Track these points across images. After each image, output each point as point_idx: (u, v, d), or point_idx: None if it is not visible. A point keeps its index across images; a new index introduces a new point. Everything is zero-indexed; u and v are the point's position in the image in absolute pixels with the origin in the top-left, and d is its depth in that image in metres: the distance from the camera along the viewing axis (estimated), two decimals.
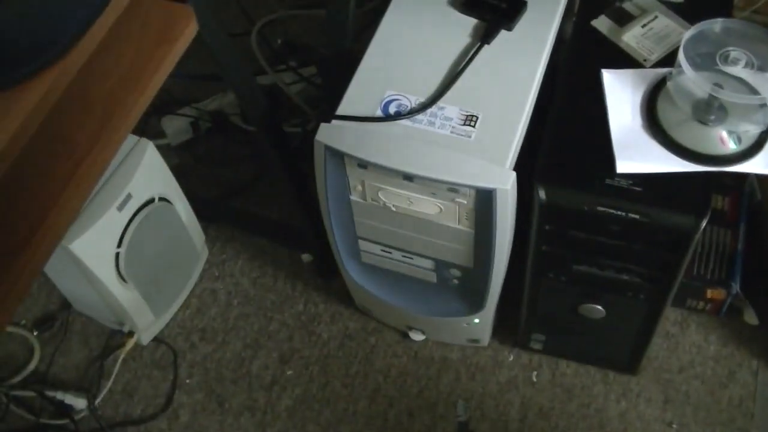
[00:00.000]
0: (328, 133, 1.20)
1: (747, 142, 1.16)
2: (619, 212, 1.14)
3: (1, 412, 1.57)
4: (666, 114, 1.19)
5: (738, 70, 1.12)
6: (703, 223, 1.12)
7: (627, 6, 1.33)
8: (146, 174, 1.43)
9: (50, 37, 0.81)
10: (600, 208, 1.15)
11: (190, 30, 1.09)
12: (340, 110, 1.22)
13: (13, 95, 0.82)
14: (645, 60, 1.25)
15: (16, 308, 0.95)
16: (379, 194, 1.24)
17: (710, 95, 1.13)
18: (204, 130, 1.90)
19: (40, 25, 0.81)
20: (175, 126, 1.87)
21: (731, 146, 1.16)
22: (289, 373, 1.62)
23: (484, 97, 1.21)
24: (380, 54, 1.28)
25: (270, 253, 1.77)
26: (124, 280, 1.47)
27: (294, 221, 1.73)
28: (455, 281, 1.39)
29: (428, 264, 1.37)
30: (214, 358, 1.65)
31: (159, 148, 1.51)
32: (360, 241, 1.40)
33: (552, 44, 1.28)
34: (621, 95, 1.24)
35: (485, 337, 1.55)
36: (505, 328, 1.59)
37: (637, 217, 1.14)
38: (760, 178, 1.59)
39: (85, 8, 0.84)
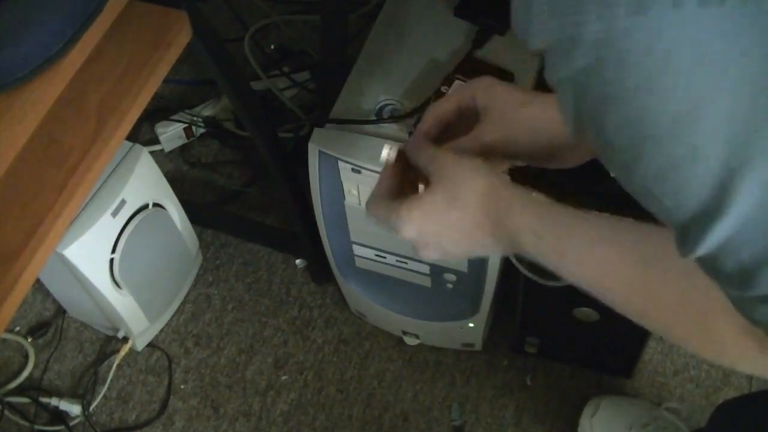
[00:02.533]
0: (322, 138, 1.20)
1: None
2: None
3: None
4: None
5: None
6: None
7: None
8: (140, 180, 1.43)
9: (44, 42, 0.82)
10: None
11: (184, 35, 1.09)
12: (334, 115, 1.23)
13: (7, 100, 0.82)
14: None
15: (11, 315, 0.95)
16: None
17: None
18: (197, 136, 1.90)
19: (34, 29, 0.81)
20: (169, 132, 1.86)
21: None
22: (283, 378, 1.62)
23: None
24: (373, 59, 1.28)
25: (264, 259, 1.77)
26: (118, 285, 1.47)
27: (288, 226, 1.73)
28: (450, 285, 1.39)
29: (423, 268, 1.37)
30: (208, 363, 1.65)
31: (153, 154, 1.51)
32: (354, 246, 1.40)
33: None
34: None
35: (480, 341, 1.55)
36: (500, 331, 1.59)
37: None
38: None
39: (79, 13, 0.84)
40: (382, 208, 0.80)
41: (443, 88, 1.20)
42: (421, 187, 0.83)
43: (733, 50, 0.39)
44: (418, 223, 0.77)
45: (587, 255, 0.70)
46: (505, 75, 1.22)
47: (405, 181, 0.82)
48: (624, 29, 0.40)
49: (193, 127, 1.87)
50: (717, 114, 0.41)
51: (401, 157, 0.83)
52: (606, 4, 0.39)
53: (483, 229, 0.74)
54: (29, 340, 1.67)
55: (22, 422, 1.58)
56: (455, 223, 0.75)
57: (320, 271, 1.66)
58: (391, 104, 1.21)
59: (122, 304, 1.51)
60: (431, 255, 0.80)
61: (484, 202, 0.73)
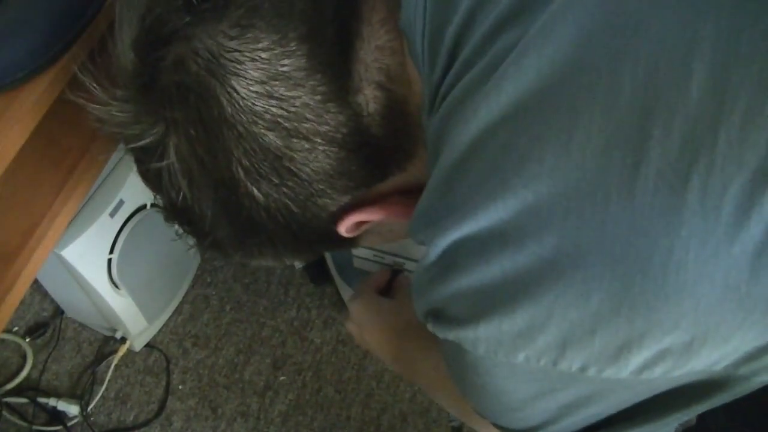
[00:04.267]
0: None
1: None
2: None
3: None
4: None
5: None
6: None
7: None
8: (139, 180, 1.41)
9: (44, 43, 0.82)
10: None
11: None
12: None
13: (7, 100, 0.82)
14: None
15: (9, 315, 0.95)
16: None
17: None
18: None
19: (33, 29, 0.81)
20: None
21: None
22: (282, 378, 1.62)
23: None
24: None
25: None
26: (116, 286, 1.47)
27: None
28: None
29: None
30: (207, 363, 1.65)
31: None
32: None
33: None
34: None
35: None
36: None
37: None
38: None
39: (79, 13, 0.84)
40: (366, 286, 1.09)
41: None
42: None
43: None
44: (361, 309, 1.05)
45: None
46: None
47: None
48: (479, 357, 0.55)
49: None
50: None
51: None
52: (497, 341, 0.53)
53: (391, 345, 1.01)
54: (27, 340, 1.67)
55: (21, 422, 1.58)
56: (380, 329, 1.02)
57: (318, 271, 1.66)
58: None
59: (120, 304, 1.51)
60: (351, 330, 1.07)
61: (400, 335, 1.00)
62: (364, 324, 1.05)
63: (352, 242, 0.71)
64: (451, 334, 0.54)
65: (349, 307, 1.08)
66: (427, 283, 0.55)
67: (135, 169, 1.35)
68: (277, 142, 0.57)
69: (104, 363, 1.64)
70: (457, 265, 0.52)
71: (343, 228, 0.65)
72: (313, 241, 0.67)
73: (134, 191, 1.43)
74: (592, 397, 0.55)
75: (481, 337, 0.52)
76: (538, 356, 0.51)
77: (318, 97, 0.57)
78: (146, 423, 1.59)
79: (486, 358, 0.54)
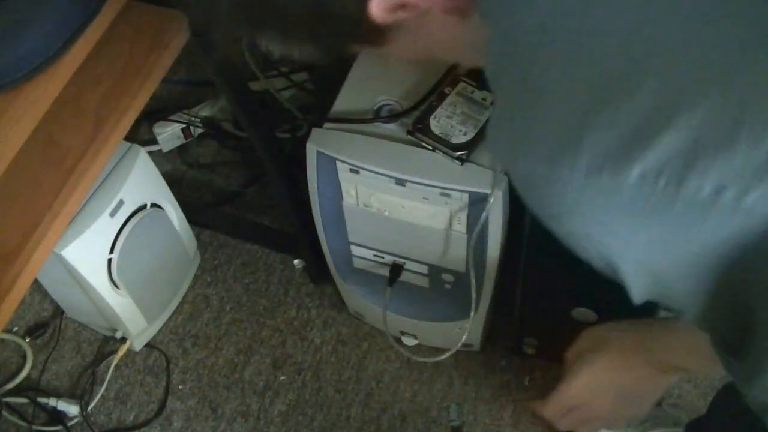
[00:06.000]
0: (320, 139, 1.20)
1: None
2: None
3: None
4: None
5: None
6: None
7: None
8: (138, 180, 1.43)
9: (42, 43, 0.82)
10: None
11: (182, 36, 1.09)
12: (332, 115, 1.22)
13: (6, 100, 0.82)
14: None
15: (10, 315, 0.95)
16: (372, 199, 1.24)
17: None
18: (196, 136, 1.90)
19: (32, 30, 0.81)
20: (167, 132, 1.86)
21: None
22: (282, 378, 1.62)
23: None
24: (371, 58, 1.28)
25: (262, 259, 1.77)
26: (116, 286, 1.47)
27: (286, 227, 1.73)
28: (448, 286, 1.39)
29: (421, 269, 1.37)
30: (206, 363, 1.65)
31: (151, 154, 1.51)
32: (352, 247, 1.40)
33: None
34: None
35: (478, 341, 1.55)
36: (498, 332, 1.59)
37: None
38: None
39: (78, 13, 0.84)
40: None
41: (446, 89, 1.19)
42: None
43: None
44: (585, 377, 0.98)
45: None
46: None
47: None
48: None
49: (191, 128, 1.87)
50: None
51: None
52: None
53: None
54: (27, 340, 1.67)
55: (20, 422, 1.58)
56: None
57: (318, 271, 1.66)
58: (390, 104, 1.21)
59: (120, 304, 1.51)
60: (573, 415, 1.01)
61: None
62: (594, 390, 0.95)
63: (377, 36, 0.55)
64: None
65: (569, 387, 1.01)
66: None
67: (135, 169, 1.35)
68: None
69: (104, 363, 1.64)
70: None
71: (376, 2, 0.50)
72: (334, 15, 0.53)
73: (134, 191, 1.43)
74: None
75: (585, 140, 0.40)
76: (658, 171, 0.38)
77: None
78: (146, 423, 1.59)
79: (584, 184, 0.42)
